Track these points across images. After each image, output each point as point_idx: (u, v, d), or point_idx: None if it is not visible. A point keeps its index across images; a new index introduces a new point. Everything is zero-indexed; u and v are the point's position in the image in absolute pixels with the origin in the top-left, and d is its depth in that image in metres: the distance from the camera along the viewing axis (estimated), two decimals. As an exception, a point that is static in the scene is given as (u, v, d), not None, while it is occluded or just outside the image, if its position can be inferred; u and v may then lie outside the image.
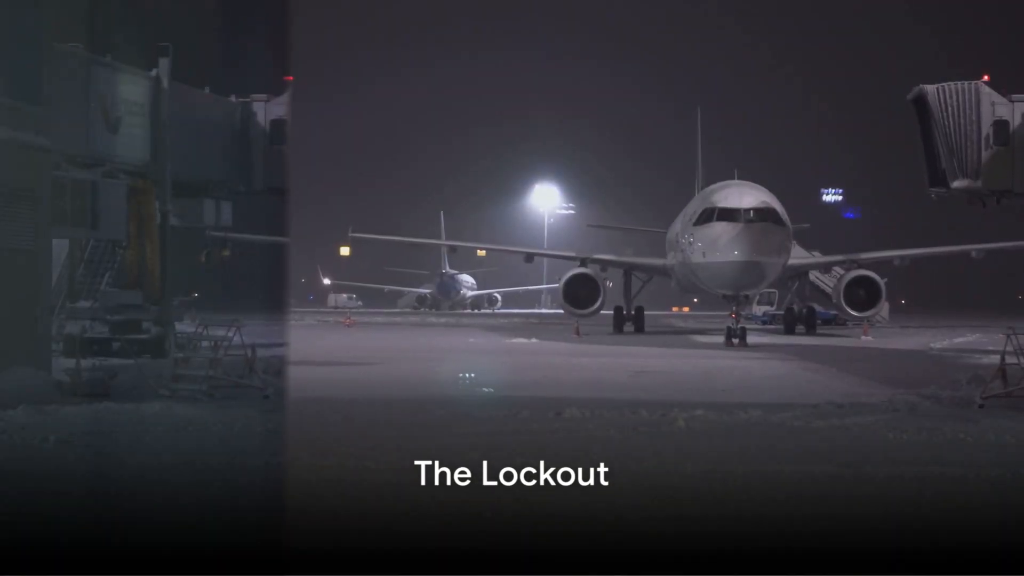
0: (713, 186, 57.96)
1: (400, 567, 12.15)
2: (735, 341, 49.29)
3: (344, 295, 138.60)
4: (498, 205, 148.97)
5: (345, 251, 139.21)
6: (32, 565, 12.35)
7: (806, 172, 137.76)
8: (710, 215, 52.12)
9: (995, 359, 31.85)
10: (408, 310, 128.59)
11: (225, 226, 44.93)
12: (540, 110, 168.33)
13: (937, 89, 36.68)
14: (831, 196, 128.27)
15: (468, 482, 16.58)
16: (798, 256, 65.59)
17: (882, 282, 62.85)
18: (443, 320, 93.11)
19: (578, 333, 58.34)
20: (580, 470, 17.52)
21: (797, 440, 19.68)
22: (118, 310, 35.74)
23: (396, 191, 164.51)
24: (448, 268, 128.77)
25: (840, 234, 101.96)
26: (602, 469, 17.58)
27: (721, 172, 65.89)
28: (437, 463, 17.68)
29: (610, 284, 70.97)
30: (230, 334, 27.67)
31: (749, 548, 13.10)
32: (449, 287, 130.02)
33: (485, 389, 29.27)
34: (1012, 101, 36.62)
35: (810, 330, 66.05)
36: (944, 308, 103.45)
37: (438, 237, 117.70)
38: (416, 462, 17.80)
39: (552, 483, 16.40)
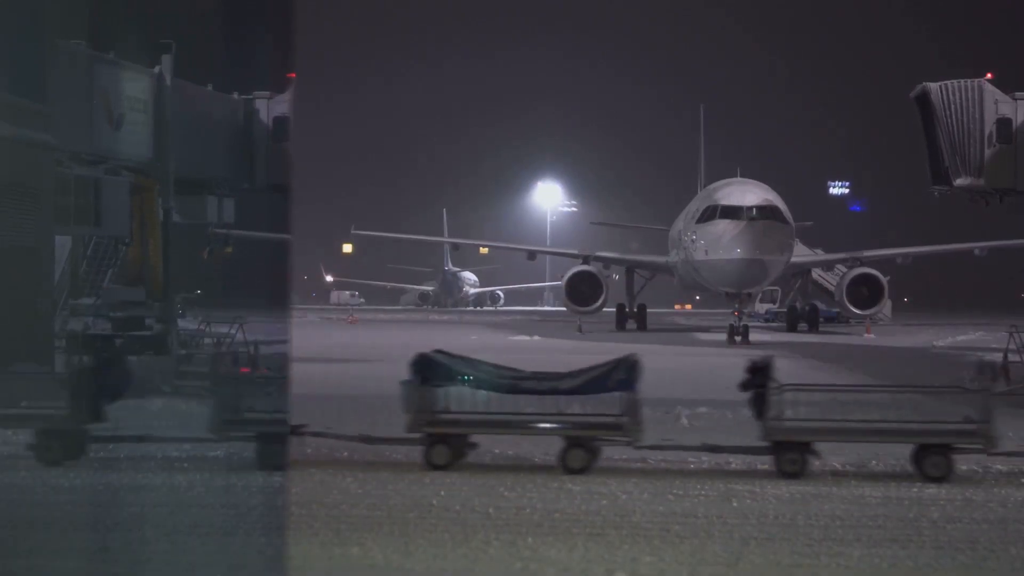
0: (716, 184, 58.01)
1: (403, 561, 12.17)
2: (738, 339, 49.32)
3: (347, 292, 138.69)
4: (501, 203, 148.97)
5: (348, 248, 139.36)
6: (33, 557, 12.38)
7: (812, 165, 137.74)
8: (713, 213, 52.19)
9: (998, 357, 31.91)
10: (411, 307, 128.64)
11: (228, 223, 44.91)
12: (543, 108, 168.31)
13: (940, 87, 36.64)
14: (838, 189, 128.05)
15: (470, 475, 16.62)
16: (801, 254, 65.66)
17: (884, 280, 62.87)
18: (446, 317, 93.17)
19: (580, 330, 58.34)
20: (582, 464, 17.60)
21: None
22: (121, 307, 35.75)
23: (399, 189, 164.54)
24: (451, 266, 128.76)
25: (845, 228, 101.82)
26: (605, 465, 17.63)
27: (724, 169, 66.02)
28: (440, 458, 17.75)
29: (616, 277, 70.95)
30: (232, 331, 27.72)
31: (755, 518, 13.17)
32: (452, 284, 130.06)
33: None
34: (1015, 99, 36.58)
35: (813, 328, 66.06)
36: (946, 306, 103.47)
37: (441, 234, 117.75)
38: (420, 456, 17.86)
39: (554, 479, 16.44)
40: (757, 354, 18.25)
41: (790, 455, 16.90)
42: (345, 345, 46.84)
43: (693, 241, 53.89)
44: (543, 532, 13.35)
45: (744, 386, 17.41)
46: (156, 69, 37.64)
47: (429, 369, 17.95)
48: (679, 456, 18.03)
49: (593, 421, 17.56)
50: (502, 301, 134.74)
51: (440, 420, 17.69)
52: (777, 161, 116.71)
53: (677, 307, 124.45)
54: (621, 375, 17.63)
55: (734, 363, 38.01)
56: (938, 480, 16.43)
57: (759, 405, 17.20)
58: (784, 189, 55.44)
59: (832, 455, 17.76)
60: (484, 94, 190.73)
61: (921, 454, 16.83)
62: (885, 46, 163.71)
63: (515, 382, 18.04)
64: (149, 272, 37.64)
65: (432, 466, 17.20)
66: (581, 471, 16.94)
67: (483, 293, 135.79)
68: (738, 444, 17.91)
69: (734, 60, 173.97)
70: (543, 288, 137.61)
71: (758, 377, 17.30)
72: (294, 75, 44.18)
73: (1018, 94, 36.55)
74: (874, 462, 17.63)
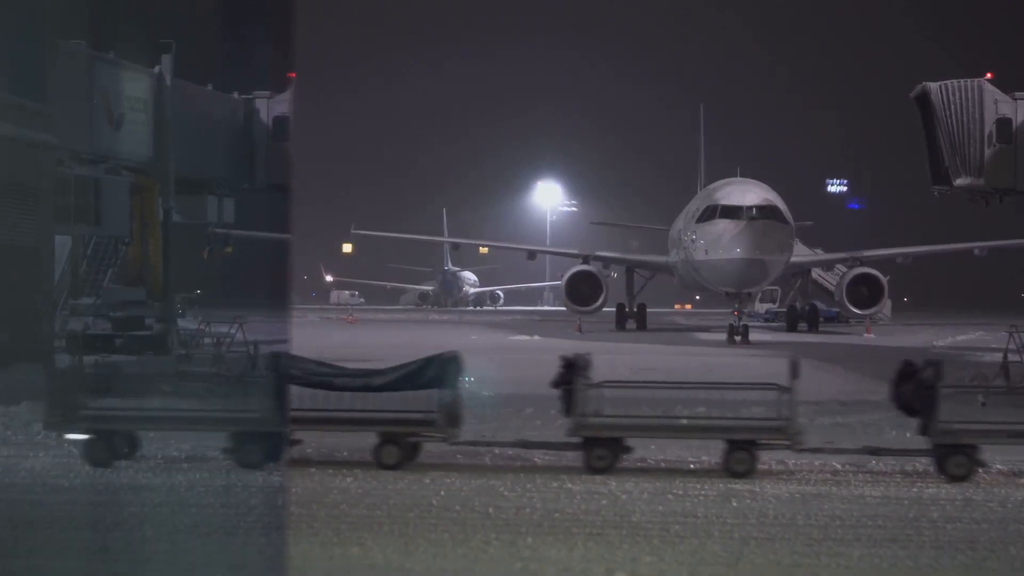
0: (716, 183, 57.99)
1: (403, 561, 12.18)
2: (737, 338, 49.29)
3: (347, 292, 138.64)
4: (500, 203, 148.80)
5: (348, 248, 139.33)
6: (35, 554, 12.39)
7: (812, 165, 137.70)
8: (712, 212, 52.19)
9: (998, 357, 31.91)
10: (411, 307, 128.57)
11: (227, 223, 45.00)
12: (543, 108, 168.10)
13: (940, 87, 36.67)
14: (836, 187, 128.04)
15: (470, 474, 16.64)
16: (800, 253, 65.63)
17: (884, 280, 62.83)
18: (445, 317, 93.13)
19: (580, 330, 58.32)
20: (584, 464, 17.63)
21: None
22: (121, 307, 35.80)
23: (399, 189, 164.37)
24: (450, 265, 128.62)
25: (845, 228, 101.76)
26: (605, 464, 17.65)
27: (724, 169, 66.01)
28: (439, 457, 17.78)
29: (615, 275, 70.90)
30: (232, 331, 27.73)
31: (755, 518, 13.17)
32: (451, 284, 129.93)
33: (488, 386, 29.23)
34: (1015, 99, 36.62)
35: (812, 328, 66.00)
36: (946, 306, 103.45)
37: (441, 234, 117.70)
38: (419, 456, 17.87)
39: (555, 479, 16.45)
40: (576, 350, 18.20)
41: (599, 451, 17.08)
42: (344, 345, 46.81)
43: (693, 241, 53.89)
44: (543, 532, 13.36)
45: (556, 383, 17.49)
46: (156, 69, 37.70)
47: None
48: (679, 455, 18.03)
49: (405, 418, 17.62)
50: (502, 301, 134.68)
51: None
52: (777, 161, 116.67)
53: (677, 307, 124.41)
54: (433, 372, 17.64)
55: (734, 363, 38.13)
56: (741, 476, 16.64)
57: (567, 401, 17.29)
58: (784, 189, 55.47)
59: (831, 455, 17.79)
60: (484, 94, 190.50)
61: (729, 450, 17.02)
62: (885, 46, 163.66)
63: (328, 379, 18.08)
64: (149, 272, 37.70)
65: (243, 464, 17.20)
66: (395, 467, 17.02)
67: (483, 293, 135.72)
68: (550, 440, 18.08)
69: (734, 60, 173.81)
70: (543, 288, 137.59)
71: (569, 373, 17.40)
72: (294, 75, 44.29)
73: (1018, 94, 36.60)
74: (874, 462, 17.64)
